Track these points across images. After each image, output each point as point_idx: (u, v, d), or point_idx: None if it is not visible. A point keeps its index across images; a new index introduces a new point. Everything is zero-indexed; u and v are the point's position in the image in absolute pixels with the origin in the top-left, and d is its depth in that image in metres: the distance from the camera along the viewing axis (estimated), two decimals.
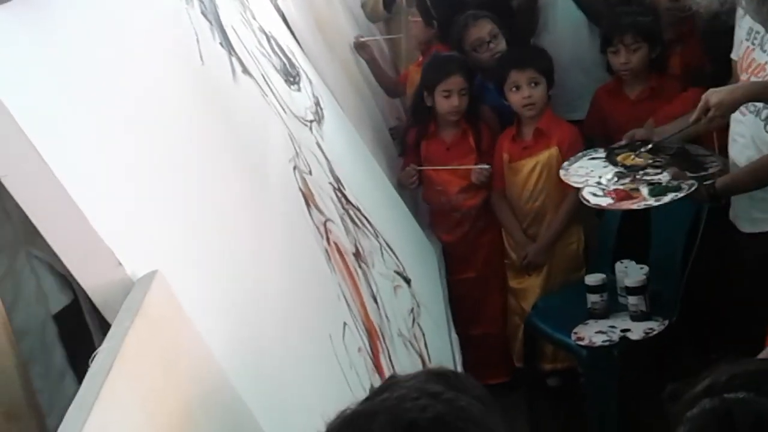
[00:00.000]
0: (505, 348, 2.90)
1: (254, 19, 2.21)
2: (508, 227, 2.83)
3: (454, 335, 2.36)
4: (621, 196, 2.18)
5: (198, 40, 1.69)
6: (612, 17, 2.70)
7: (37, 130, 0.88)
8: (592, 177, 2.31)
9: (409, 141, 2.95)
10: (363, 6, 3.60)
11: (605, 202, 2.23)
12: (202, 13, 1.83)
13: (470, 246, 2.87)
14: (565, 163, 2.41)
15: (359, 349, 1.53)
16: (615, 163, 2.30)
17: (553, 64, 2.72)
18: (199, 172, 1.29)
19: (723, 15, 2.37)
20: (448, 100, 2.75)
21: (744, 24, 2.24)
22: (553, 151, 2.71)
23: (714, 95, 1.96)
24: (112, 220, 0.93)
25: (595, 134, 2.75)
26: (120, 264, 0.90)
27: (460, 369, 2.25)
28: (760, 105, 2.04)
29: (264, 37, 2.21)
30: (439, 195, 2.86)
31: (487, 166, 2.76)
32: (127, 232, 0.96)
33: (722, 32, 2.35)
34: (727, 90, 2.00)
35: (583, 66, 2.87)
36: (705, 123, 1.99)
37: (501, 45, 2.88)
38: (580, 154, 2.42)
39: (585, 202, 2.25)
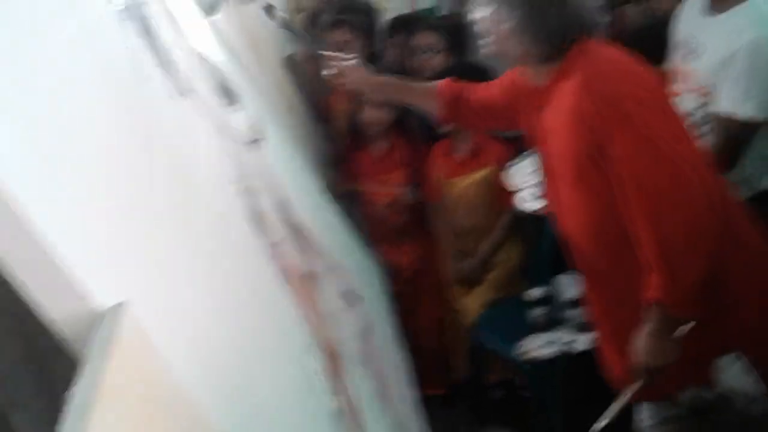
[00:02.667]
0: (441, 360, 2.89)
1: (189, 38, 2.15)
2: (443, 242, 2.84)
3: (403, 352, 2.34)
4: None
5: (134, 60, 1.63)
6: None
7: None
8: (530, 180, 2.32)
9: (347, 152, 2.97)
10: (295, 20, 3.59)
11: (535, 206, 2.24)
12: (136, 31, 1.77)
13: (405, 259, 2.88)
14: (507, 166, 2.43)
15: (319, 372, 1.49)
16: None
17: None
18: (149, 195, 1.24)
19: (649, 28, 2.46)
20: (376, 112, 2.77)
21: (680, 33, 2.31)
22: (490, 168, 2.73)
23: None
24: (74, 250, 0.88)
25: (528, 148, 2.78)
26: (87, 296, 0.85)
27: (410, 385, 2.24)
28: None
29: (199, 56, 2.15)
30: (369, 208, 2.87)
31: (405, 192, 2.78)
32: (90, 263, 0.90)
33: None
34: None
35: None
36: None
37: (440, 58, 2.91)
38: (522, 155, 2.43)
39: (517, 206, 2.27)
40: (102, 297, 0.87)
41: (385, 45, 3.20)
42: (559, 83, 1.77)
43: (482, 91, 2.14)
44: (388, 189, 2.80)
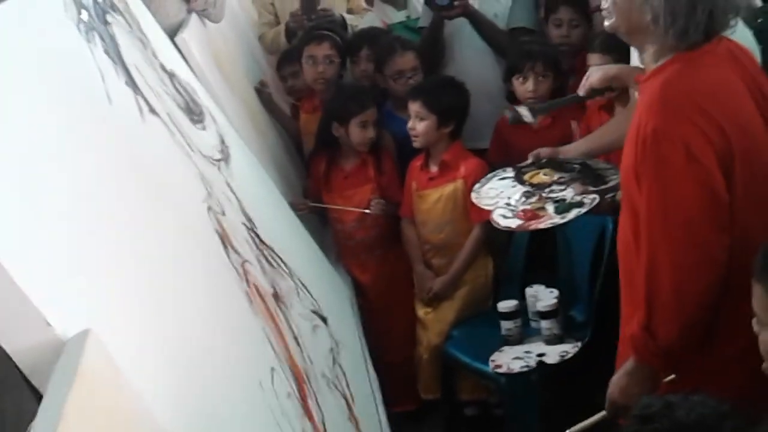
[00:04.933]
0: (411, 376, 2.88)
1: (155, 57, 2.14)
2: (412, 258, 2.83)
3: (372, 371, 2.33)
4: (529, 216, 2.18)
5: (103, 79, 1.62)
6: (522, 46, 2.78)
7: None
8: (502, 198, 2.33)
9: (313, 168, 2.96)
10: (260, 38, 3.59)
11: (515, 223, 2.24)
12: (105, 51, 1.76)
13: (373, 275, 2.87)
14: (476, 185, 2.43)
15: (288, 394, 1.48)
16: (523, 182, 2.31)
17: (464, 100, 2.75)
18: (119, 219, 1.23)
19: None
20: (364, 132, 2.76)
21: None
22: (459, 183, 2.73)
23: (593, 69, 2.11)
24: (37, 278, 0.86)
25: (499, 162, 2.78)
26: (49, 324, 0.84)
27: (379, 404, 2.23)
28: None
29: (166, 75, 2.14)
30: (336, 223, 2.87)
31: (367, 211, 2.77)
32: (51, 290, 0.89)
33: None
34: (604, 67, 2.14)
35: (489, 95, 2.91)
36: (585, 90, 2.09)
37: (418, 78, 2.92)
38: (490, 174, 2.43)
39: (495, 225, 2.26)
40: (65, 325, 0.86)
41: (353, 59, 3.20)
42: (649, 81, 1.65)
43: None
44: (356, 205, 2.79)
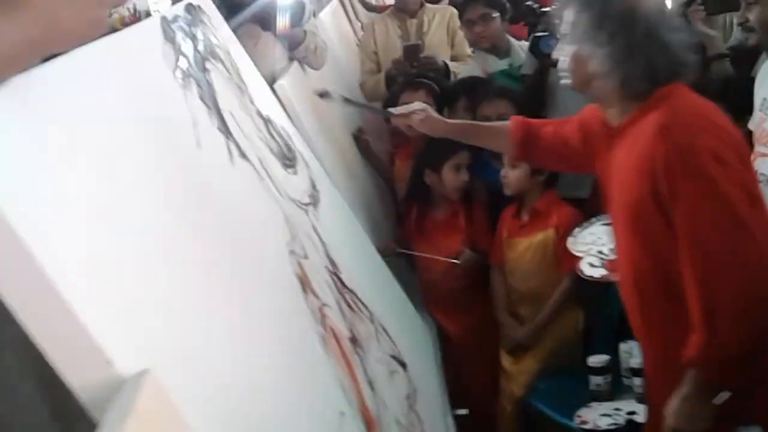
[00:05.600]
0: (492, 428, 2.83)
1: (252, 103, 2.22)
2: (497, 307, 2.81)
3: (451, 420, 2.30)
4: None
5: (194, 124, 1.69)
6: None
7: (19, 221, 0.86)
8: (596, 246, 2.28)
9: (405, 215, 2.97)
10: (361, 86, 3.66)
11: (598, 273, 2.20)
12: (200, 97, 1.84)
13: (458, 323, 2.85)
14: (576, 230, 2.39)
15: None
16: None
17: None
18: (192, 260, 1.27)
19: None
20: (457, 175, 2.77)
21: (760, 93, 2.25)
22: (550, 232, 2.70)
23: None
24: (101, 316, 0.90)
25: (601, 212, 2.74)
26: (110, 362, 0.87)
27: None
28: None
29: (262, 121, 2.21)
30: (424, 271, 2.87)
31: (456, 262, 2.76)
32: (117, 329, 0.93)
33: None
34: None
35: None
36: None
37: None
38: (593, 219, 2.40)
39: (580, 273, 2.22)
40: (125, 363, 0.89)
41: (450, 108, 3.22)
42: (636, 124, 1.75)
43: (555, 129, 2.12)
44: (446, 254, 2.79)
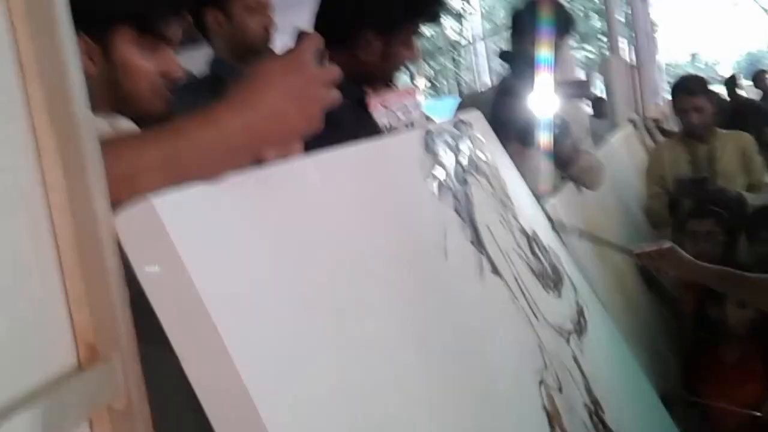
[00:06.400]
0: None
1: (515, 219, 2.09)
2: None
3: None
4: None
5: (444, 235, 1.60)
6: None
7: (230, 330, 0.79)
8: None
9: (694, 355, 2.65)
10: (646, 211, 3.44)
11: None
12: (455, 209, 1.75)
13: None
14: None
15: None
16: None
17: None
18: (426, 383, 1.14)
19: None
20: (744, 311, 2.44)
21: None
22: None
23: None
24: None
25: None
26: None
27: None
28: None
29: (524, 238, 2.07)
30: (718, 425, 2.49)
31: (758, 414, 2.37)
32: None
33: None
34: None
35: None
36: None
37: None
38: None
39: None
40: None
41: (750, 239, 2.88)
42: None
43: None
44: (742, 405, 2.41)
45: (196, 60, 2.62)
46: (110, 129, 1.33)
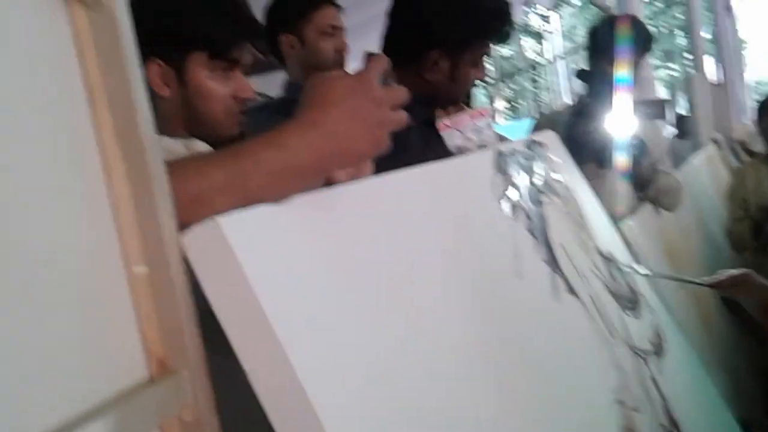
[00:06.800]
0: None
1: (590, 240, 2.07)
2: None
3: None
4: None
5: (516, 255, 1.59)
6: None
7: (297, 352, 0.81)
8: None
9: None
10: (728, 234, 3.34)
11: None
12: (528, 229, 1.74)
13: None
14: None
15: None
16: None
17: None
18: (497, 405, 1.14)
19: None
20: None
21: None
22: None
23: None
24: None
25: None
26: None
27: None
28: None
29: (600, 259, 2.04)
30: None
31: None
32: None
33: None
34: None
35: None
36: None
37: None
38: None
39: None
40: None
41: None
42: None
43: None
44: None
45: (273, 84, 2.69)
46: (186, 151, 1.38)
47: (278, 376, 0.80)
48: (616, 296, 1.97)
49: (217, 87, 1.43)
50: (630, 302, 2.04)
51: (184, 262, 0.79)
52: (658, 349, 1.98)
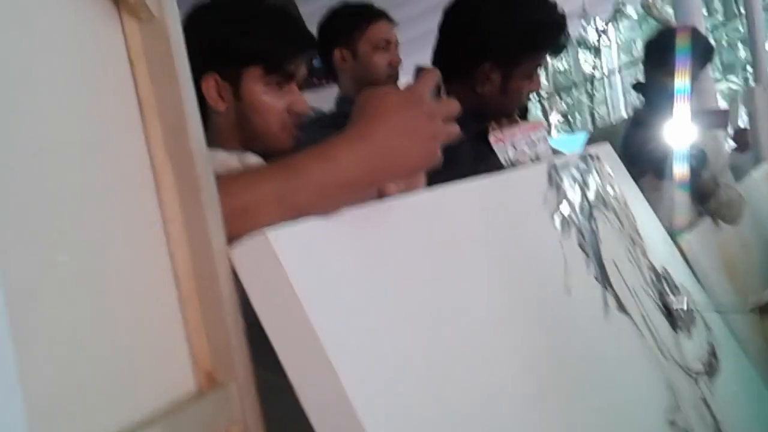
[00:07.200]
0: None
1: (644, 256, 2.03)
2: None
3: None
4: None
5: (566, 270, 1.57)
6: None
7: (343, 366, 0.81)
8: None
9: None
10: None
11: None
12: (579, 245, 1.72)
13: None
14: None
15: None
16: None
17: None
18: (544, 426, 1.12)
19: None
20: None
21: None
22: None
23: None
24: None
25: None
26: None
27: None
28: None
29: (654, 276, 2.01)
30: None
31: None
32: None
33: None
34: None
35: None
36: None
37: None
38: None
39: None
40: None
41: None
42: None
43: None
44: None
45: (328, 99, 2.70)
46: (239, 165, 1.39)
47: (325, 391, 0.80)
48: (668, 314, 1.93)
49: (272, 101, 1.44)
50: (683, 320, 2.00)
51: (232, 274, 0.79)
52: (711, 369, 1.93)
